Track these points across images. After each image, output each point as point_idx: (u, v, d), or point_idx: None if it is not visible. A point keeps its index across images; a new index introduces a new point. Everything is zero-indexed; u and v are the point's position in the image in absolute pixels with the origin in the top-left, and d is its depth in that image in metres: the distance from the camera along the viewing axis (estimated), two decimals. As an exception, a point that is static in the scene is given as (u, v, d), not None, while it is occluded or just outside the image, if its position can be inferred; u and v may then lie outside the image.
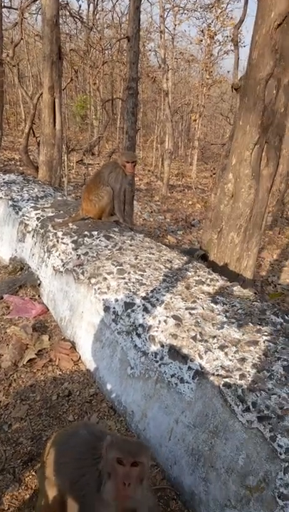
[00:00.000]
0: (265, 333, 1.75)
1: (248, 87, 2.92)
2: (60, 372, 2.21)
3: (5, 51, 8.09)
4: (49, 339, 2.44)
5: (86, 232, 2.90)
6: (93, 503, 1.16)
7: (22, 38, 7.67)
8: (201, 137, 16.46)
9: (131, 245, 2.76)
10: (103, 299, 2.20)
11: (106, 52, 14.41)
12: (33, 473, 1.63)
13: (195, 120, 13.90)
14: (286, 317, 1.89)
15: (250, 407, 1.41)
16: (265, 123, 2.87)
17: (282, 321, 1.86)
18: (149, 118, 19.79)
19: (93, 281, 2.34)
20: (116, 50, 14.76)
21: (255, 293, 3.57)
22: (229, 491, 1.39)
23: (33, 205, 3.49)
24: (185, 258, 2.63)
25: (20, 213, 3.34)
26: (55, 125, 6.01)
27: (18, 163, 11.99)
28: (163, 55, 11.89)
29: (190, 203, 11.87)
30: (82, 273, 2.46)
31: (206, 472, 1.49)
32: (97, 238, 2.83)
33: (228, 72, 15.01)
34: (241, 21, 10.43)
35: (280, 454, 1.28)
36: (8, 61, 7.06)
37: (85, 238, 2.82)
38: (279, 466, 1.27)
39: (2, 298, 2.86)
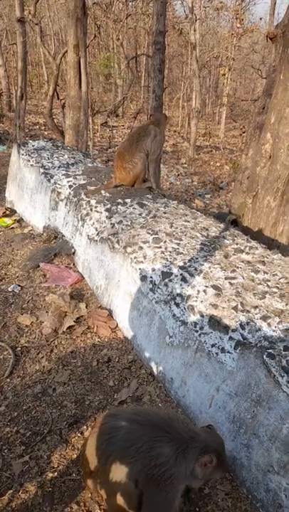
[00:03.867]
0: (310, 304, 1.70)
1: (290, 37, 2.67)
2: (99, 340, 2.27)
3: (26, 8, 7.75)
4: (86, 307, 2.49)
5: (119, 200, 2.86)
6: (173, 479, 1.21)
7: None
8: (230, 93, 15.60)
9: (165, 213, 2.70)
10: (140, 269, 2.19)
11: (130, 4, 13.58)
12: (79, 434, 1.71)
13: (224, 75, 13.11)
14: None
15: (296, 378, 1.40)
16: (309, 76, 2.65)
17: None
18: (175, 74, 18.84)
19: (129, 250, 2.33)
20: (140, 1, 13.87)
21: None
22: (272, 457, 1.41)
23: (64, 172, 3.45)
24: (222, 225, 2.56)
25: (52, 181, 3.32)
26: (80, 87, 5.81)
27: (43, 128, 11.86)
28: (190, 4, 11.08)
29: (218, 164, 11.48)
30: (118, 242, 2.44)
31: (248, 439, 1.51)
32: (130, 206, 2.78)
33: (261, 19, 13.88)
34: None
35: None
36: (30, 19, 6.78)
37: (119, 206, 2.78)
38: None
39: (38, 266, 2.91)
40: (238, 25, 12.29)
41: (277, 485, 1.39)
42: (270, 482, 1.41)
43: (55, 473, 1.53)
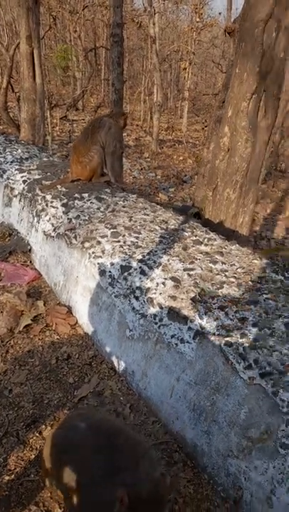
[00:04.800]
0: (266, 292, 1.74)
1: (244, 31, 2.71)
2: (58, 337, 2.21)
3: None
4: (44, 304, 2.42)
5: (76, 195, 2.80)
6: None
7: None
8: (192, 87, 15.73)
9: (124, 206, 2.67)
10: (98, 263, 2.15)
11: (86, -6, 13.31)
12: (37, 434, 1.66)
13: (185, 69, 13.18)
14: (286, 274, 1.88)
15: (252, 364, 1.43)
16: (263, 70, 2.69)
17: (282, 278, 1.85)
18: (136, 68, 18.73)
19: (87, 245, 2.28)
20: (97, -8, 13.62)
21: (255, 249, 3.56)
22: (231, 442, 1.44)
23: (17, 167, 3.33)
24: (181, 218, 2.56)
25: (5, 176, 3.19)
26: (35, 79, 5.62)
27: (-1, 122, 11.42)
28: (148, -3, 11.01)
29: (181, 158, 11.57)
30: (75, 237, 2.39)
31: (208, 426, 1.53)
32: (88, 200, 2.73)
33: (220, 13, 14.06)
34: None
35: (282, 407, 1.30)
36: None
37: (76, 201, 2.73)
38: (281, 418, 1.30)
39: (-6, 264, 2.80)
40: (198, 19, 12.37)
41: (236, 468, 1.41)
42: (230, 466, 1.44)
43: (12, 476, 1.48)
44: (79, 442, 1.20)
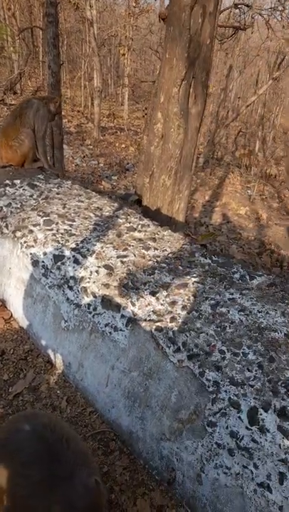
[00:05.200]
0: (194, 275, 1.78)
1: (172, 15, 2.70)
2: (-9, 332, 2.11)
3: None
4: (-25, 299, 2.29)
5: (7, 182, 2.65)
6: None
7: None
8: (131, 74, 15.58)
9: (58, 193, 2.58)
10: (31, 253, 2.07)
11: None
12: None
13: (124, 54, 13.00)
14: (214, 258, 1.93)
15: (181, 347, 1.46)
16: (191, 56, 2.72)
17: (210, 261, 1.90)
18: (75, 51, 18.13)
19: (18, 234, 2.18)
20: None
21: (188, 235, 3.64)
22: (164, 426, 1.47)
23: None
24: (116, 205, 2.54)
25: None
26: None
27: None
28: (84, -23, 10.63)
29: (123, 146, 11.49)
30: (6, 226, 2.27)
31: (142, 412, 1.55)
32: (20, 187, 2.60)
33: (155, 0, 13.99)
34: None
35: (208, 387, 1.35)
36: None
37: (7, 188, 2.58)
38: (207, 398, 1.34)
39: None
40: (134, 4, 12.19)
41: (169, 451, 1.45)
42: (163, 449, 1.47)
43: None
44: (20, 447, 1.14)
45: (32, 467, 1.08)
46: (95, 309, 1.76)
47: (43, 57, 15.55)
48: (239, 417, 1.26)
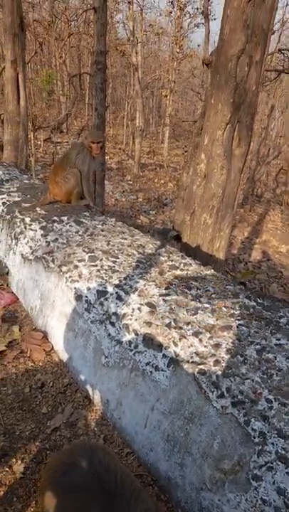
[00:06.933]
0: (238, 318, 1.75)
1: (219, 64, 2.84)
2: (32, 364, 2.16)
3: None
4: (20, 330, 2.37)
5: (55, 218, 2.79)
6: None
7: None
8: (172, 114, 16.20)
9: (102, 230, 2.68)
10: (75, 288, 2.14)
11: (72, 23, 13.73)
12: (7, 469, 1.59)
13: (166, 96, 13.61)
14: (258, 300, 1.90)
15: (225, 392, 1.42)
16: (237, 101, 2.82)
17: (254, 304, 1.87)
18: (119, 94, 19.23)
19: (64, 269, 2.27)
20: (82, 22, 14.08)
21: (229, 274, 3.61)
22: (204, 474, 1.41)
23: (-3, 188, 3.32)
24: (158, 243, 2.59)
25: (-15, 198, 3.17)
26: (19, 102, 5.70)
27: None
28: (132, 27, 11.45)
29: (162, 181, 11.77)
30: (52, 261, 2.37)
31: (182, 457, 1.50)
32: (67, 224, 2.73)
33: (199, 46, 14.70)
34: (211, -7, 10.12)
35: (254, 437, 1.29)
36: None
37: (55, 224, 2.72)
38: (253, 449, 1.29)
39: None
40: (178, 50, 12.89)
41: (210, 502, 1.38)
42: (204, 500, 1.40)
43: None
44: (76, 488, 1.14)
45: (88, 508, 1.07)
46: (136, 347, 1.76)
47: (89, 100, 16.59)
48: (287, 473, 1.20)
